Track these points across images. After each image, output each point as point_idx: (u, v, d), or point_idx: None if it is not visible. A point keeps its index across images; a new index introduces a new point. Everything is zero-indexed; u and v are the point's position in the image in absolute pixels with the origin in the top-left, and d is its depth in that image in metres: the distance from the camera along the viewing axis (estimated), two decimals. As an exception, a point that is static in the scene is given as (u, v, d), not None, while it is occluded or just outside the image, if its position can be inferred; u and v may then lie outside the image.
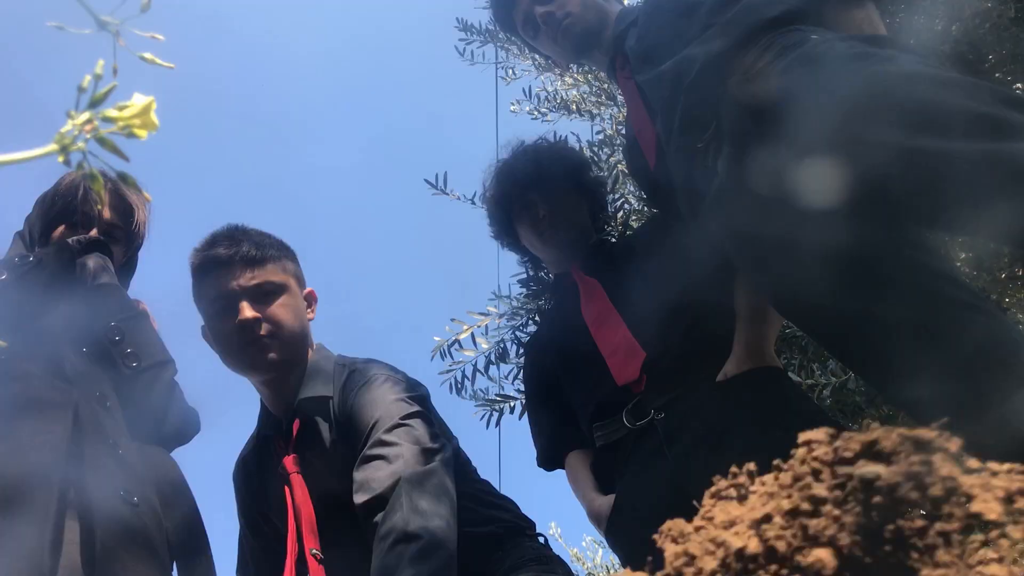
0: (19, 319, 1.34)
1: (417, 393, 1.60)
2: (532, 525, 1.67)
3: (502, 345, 2.63)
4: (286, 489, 1.55)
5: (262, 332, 1.57)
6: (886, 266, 1.10)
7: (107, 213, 1.59)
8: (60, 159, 0.48)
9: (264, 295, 1.59)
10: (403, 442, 1.45)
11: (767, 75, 1.24)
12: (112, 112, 0.50)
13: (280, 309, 1.60)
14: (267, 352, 1.57)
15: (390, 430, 1.46)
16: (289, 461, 1.56)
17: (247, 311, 1.56)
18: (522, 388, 2.53)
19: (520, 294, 2.61)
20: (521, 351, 2.58)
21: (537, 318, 2.56)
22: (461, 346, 2.62)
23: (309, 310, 1.72)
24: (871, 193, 1.02)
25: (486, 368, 2.63)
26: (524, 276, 2.50)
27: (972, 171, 0.90)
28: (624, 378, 1.59)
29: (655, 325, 1.61)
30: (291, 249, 1.72)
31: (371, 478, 1.40)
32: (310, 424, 1.59)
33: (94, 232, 1.55)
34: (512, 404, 2.63)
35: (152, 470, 1.33)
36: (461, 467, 1.66)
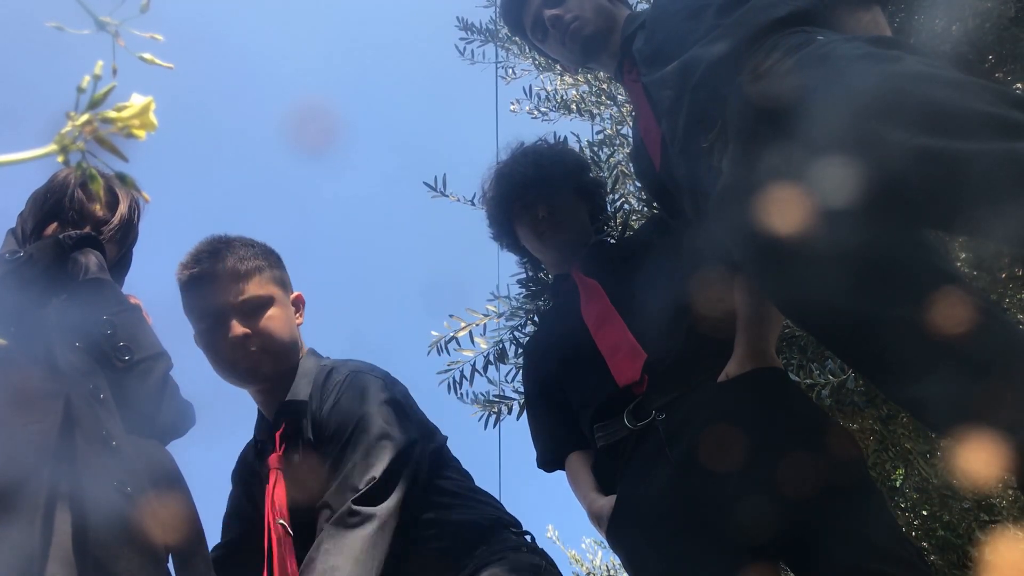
0: (10, 314, 1.34)
1: (390, 395, 1.61)
2: (517, 522, 1.68)
3: (500, 346, 2.63)
4: (268, 485, 1.58)
5: (253, 348, 1.60)
6: (900, 268, 1.09)
7: (101, 210, 1.59)
8: (60, 159, 0.48)
9: (252, 309, 1.61)
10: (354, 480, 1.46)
11: (774, 74, 1.24)
12: (111, 113, 0.50)
13: (269, 322, 1.62)
14: (259, 365, 1.61)
15: (358, 453, 1.49)
16: (273, 458, 1.59)
17: (237, 328, 1.58)
18: (520, 389, 2.53)
19: (519, 294, 2.61)
20: (519, 351, 2.58)
21: (536, 319, 2.56)
22: (459, 344, 2.62)
23: (297, 315, 1.75)
24: (886, 194, 1.02)
25: (484, 369, 2.62)
26: (523, 276, 2.50)
27: (990, 172, 0.90)
28: (625, 379, 1.58)
29: (656, 326, 1.61)
30: (275, 254, 1.74)
31: (328, 503, 1.45)
32: (294, 425, 1.62)
33: (87, 228, 1.54)
34: (510, 405, 2.62)
35: (147, 462, 1.32)
36: (444, 462, 1.70)
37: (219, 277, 1.61)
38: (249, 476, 1.72)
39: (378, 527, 1.43)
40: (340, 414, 1.55)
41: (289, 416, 1.62)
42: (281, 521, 1.51)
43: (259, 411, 1.75)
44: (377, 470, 1.47)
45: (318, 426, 1.58)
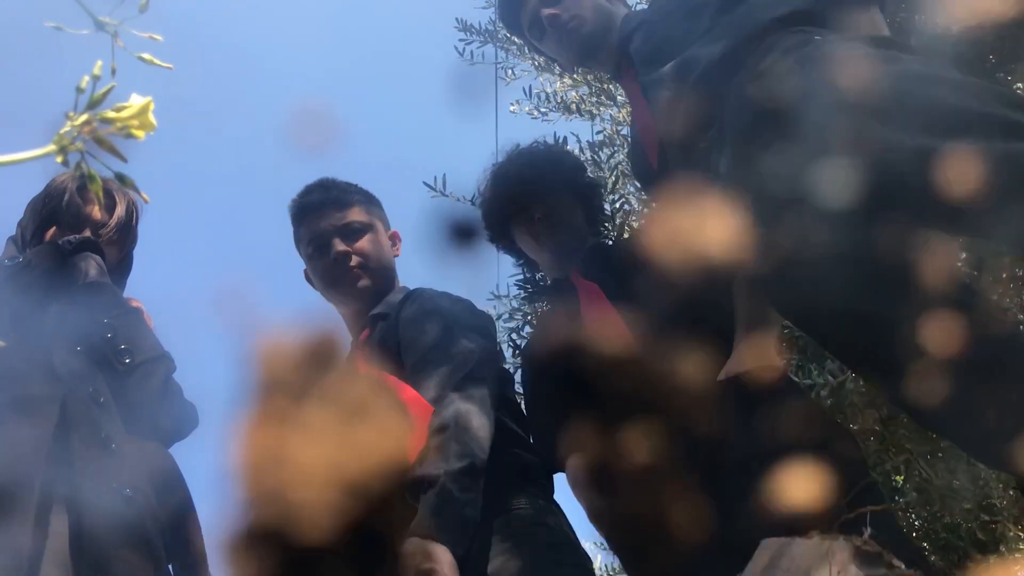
0: (9, 320, 1.34)
1: (474, 310, 1.83)
2: (542, 469, 1.73)
3: (499, 348, 2.62)
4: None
5: (352, 264, 1.81)
6: (900, 269, 1.09)
7: (99, 213, 1.59)
8: (59, 160, 0.48)
9: (353, 232, 1.84)
10: (458, 344, 1.63)
11: (772, 74, 1.24)
12: (110, 113, 0.50)
13: (366, 243, 1.84)
14: (358, 281, 1.82)
15: (446, 333, 1.65)
16: (363, 336, 1.76)
17: (338, 246, 1.81)
18: (519, 391, 2.52)
19: (518, 295, 2.61)
20: (518, 354, 2.57)
21: (534, 321, 2.55)
22: (459, 348, 2.60)
23: (394, 248, 1.96)
24: (885, 194, 1.02)
25: (484, 371, 2.61)
26: (522, 278, 2.50)
27: (991, 172, 0.90)
28: (624, 380, 1.58)
29: (655, 326, 1.60)
30: (376, 197, 1.97)
31: (428, 386, 1.56)
32: (376, 335, 1.78)
33: (86, 232, 1.54)
34: (509, 407, 2.61)
35: (147, 464, 1.32)
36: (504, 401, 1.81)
37: (324, 205, 1.85)
38: None
39: (487, 393, 1.58)
40: (423, 315, 1.71)
41: (374, 324, 1.78)
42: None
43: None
44: (470, 363, 1.60)
45: (398, 327, 1.71)
